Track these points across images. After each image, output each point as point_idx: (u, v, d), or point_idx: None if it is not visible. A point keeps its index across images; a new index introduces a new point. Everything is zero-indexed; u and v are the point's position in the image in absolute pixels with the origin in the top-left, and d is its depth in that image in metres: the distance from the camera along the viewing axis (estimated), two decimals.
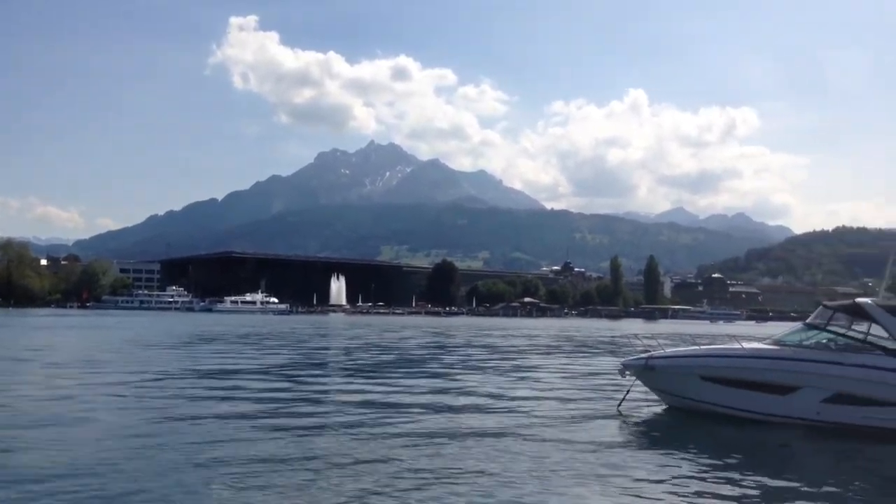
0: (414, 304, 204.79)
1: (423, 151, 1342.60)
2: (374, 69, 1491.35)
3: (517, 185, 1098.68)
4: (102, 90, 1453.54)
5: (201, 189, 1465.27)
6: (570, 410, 15.95)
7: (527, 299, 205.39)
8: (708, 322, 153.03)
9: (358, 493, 8.80)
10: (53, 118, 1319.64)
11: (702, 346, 17.09)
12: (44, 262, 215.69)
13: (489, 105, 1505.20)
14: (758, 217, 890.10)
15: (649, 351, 16.89)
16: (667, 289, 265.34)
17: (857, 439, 13.02)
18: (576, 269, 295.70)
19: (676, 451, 11.99)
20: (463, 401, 17.30)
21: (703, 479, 10.05)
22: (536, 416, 15.00)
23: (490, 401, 17.35)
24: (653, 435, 14.34)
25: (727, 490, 9.52)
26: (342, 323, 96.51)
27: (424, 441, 11.98)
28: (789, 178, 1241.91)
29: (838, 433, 13.37)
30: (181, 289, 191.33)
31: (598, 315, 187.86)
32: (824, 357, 14.04)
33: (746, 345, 15.40)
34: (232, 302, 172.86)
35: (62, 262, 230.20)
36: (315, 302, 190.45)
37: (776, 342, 15.16)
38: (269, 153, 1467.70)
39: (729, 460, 11.29)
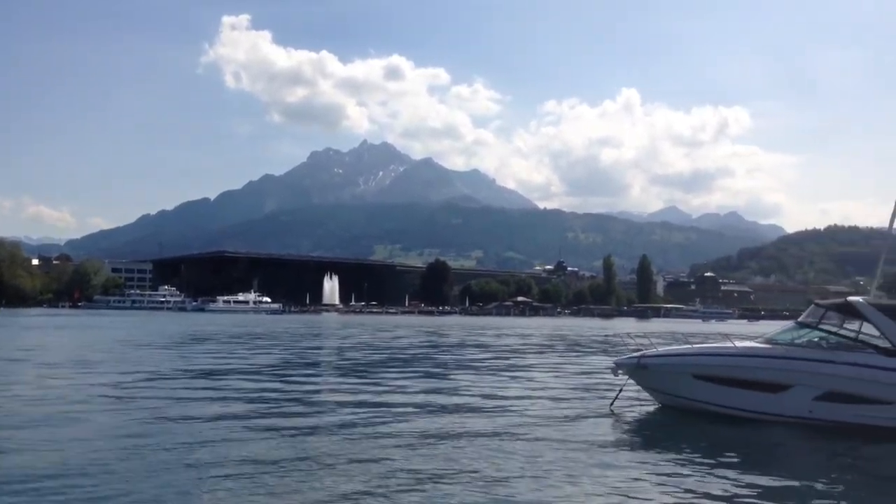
0: (407, 304, 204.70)
1: (417, 151, 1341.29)
2: (367, 68, 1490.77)
3: (510, 185, 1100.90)
4: (94, 89, 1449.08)
5: (193, 188, 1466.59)
6: (563, 409, 15.95)
7: (520, 298, 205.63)
8: (700, 321, 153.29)
9: (351, 494, 8.77)
10: (45, 117, 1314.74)
11: (694, 345, 17.12)
12: (35, 261, 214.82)
13: (482, 104, 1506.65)
14: (750, 216, 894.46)
15: (642, 350, 16.94)
16: (659, 288, 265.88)
17: (849, 437, 13.06)
18: (569, 269, 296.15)
19: (669, 450, 12.00)
20: (456, 400, 17.29)
21: (696, 478, 10.05)
22: (529, 416, 14.99)
23: (483, 400, 17.34)
24: (645, 434, 14.35)
25: (720, 488, 9.53)
26: (335, 322, 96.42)
27: (417, 441, 11.96)
28: (781, 177, 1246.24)
29: (830, 431, 13.41)
30: (173, 288, 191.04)
31: (591, 314, 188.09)
32: (816, 355, 14.08)
33: (739, 343, 15.41)
34: (224, 302, 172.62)
35: (54, 262, 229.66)
36: (308, 301, 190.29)
37: (768, 341, 15.20)
38: (261, 152, 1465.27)
39: (721, 459, 11.30)
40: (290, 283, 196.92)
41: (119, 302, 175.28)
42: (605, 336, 58.79)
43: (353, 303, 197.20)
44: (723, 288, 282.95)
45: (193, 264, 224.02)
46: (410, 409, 15.55)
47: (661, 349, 17.02)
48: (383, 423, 13.76)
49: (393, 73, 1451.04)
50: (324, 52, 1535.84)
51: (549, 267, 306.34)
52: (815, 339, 14.65)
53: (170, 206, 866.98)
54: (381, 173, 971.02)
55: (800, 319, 15.46)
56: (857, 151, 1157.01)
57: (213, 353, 33.70)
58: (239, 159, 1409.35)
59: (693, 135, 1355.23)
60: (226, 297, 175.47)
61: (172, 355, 31.43)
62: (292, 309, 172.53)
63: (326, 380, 22.95)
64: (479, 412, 15.48)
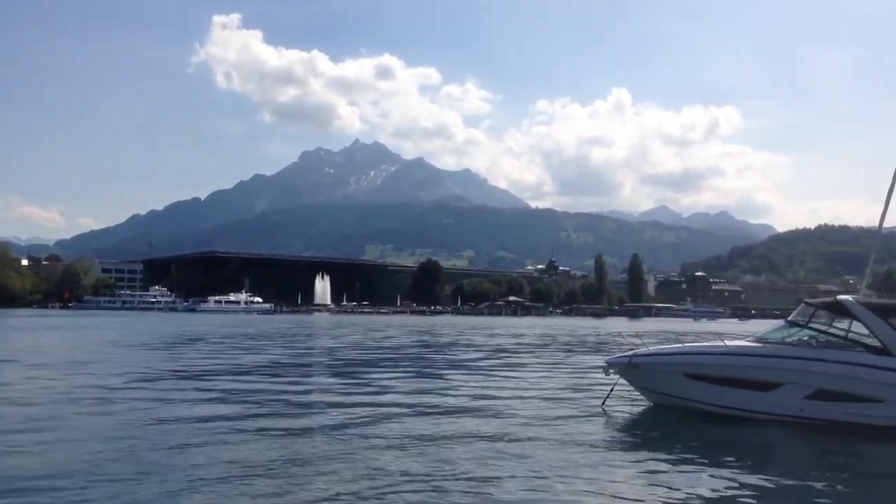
0: (399, 304, 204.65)
1: (408, 150, 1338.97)
2: (359, 68, 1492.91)
3: (502, 184, 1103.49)
4: (84, 89, 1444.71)
5: (184, 188, 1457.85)
6: (555, 409, 15.94)
7: (511, 298, 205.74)
8: (691, 320, 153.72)
9: (342, 496, 8.74)
10: (34, 117, 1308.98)
11: (685, 344, 17.15)
12: (25, 262, 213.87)
13: (473, 104, 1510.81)
14: (740, 215, 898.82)
15: (633, 349, 16.97)
16: (651, 287, 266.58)
17: (840, 435, 13.10)
18: (560, 268, 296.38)
19: (660, 449, 12.02)
20: (447, 400, 17.25)
21: (687, 477, 10.06)
22: (521, 415, 14.97)
23: (475, 400, 17.30)
24: (637, 433, 14.36)
25: (711, 487, 9.54)
26: (327, 322, 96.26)
27: (409, 442, 11.92)
28: (772, 176, 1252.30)
29: (821, 430, 13.45)
30: (164, 289, 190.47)
31: (583, 313, 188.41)
32: (806, 354, 14.12)
33: (729, 342, 15.46)
34: (216, 302, 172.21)
35: (43, 263, 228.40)
36: (299, 301, 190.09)
37: (759, 339, 15.23)
38: (252, 152, 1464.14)
39: (713, 458, 11.32)
40: (282, 283, 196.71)
41: (109, 302, 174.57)
42: (597, 335, 58.87)
43: (344, 303, 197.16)
44: (714, 287, 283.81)
45: (184, 264, 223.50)
46: (401, 410, 15.51)
47: (653, 348, 17.06)
48: (374, 424, 13.72)
49: (384, 73, 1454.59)
50: (315, 52, 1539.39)
51: (540, 266, 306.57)
52: (806, 338, 14.69)
53: (160, 206, 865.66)
54: (372, 173, 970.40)
55: (790, 318, 15.48)
56: (848, 151, 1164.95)
57: (204, 353, 33.56)
58: (230, 159, 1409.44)
59: (683, 134, 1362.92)
60: (217, 298, 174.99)
61: (163, 356, 31.31)
62: (284, 309, 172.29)
63: (318, 380, 22.88)
64: (470, 412, 15.44)
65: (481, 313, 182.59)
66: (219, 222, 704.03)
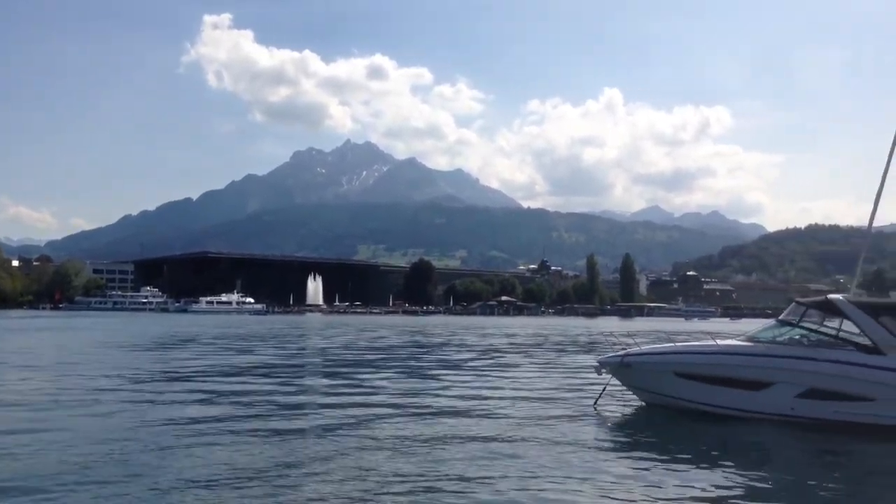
0: (391, 304, 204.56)
1: (400, 150, 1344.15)
2: (350, 68, 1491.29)
3: (494, 184, 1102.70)
4: (75, 88, 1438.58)
5: (176, 188, 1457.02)
6: (547, 409, 15.96)
7: (504, 298, 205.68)
8: (683, 319, 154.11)
9: (333, 497, 8.73)
10: (24, 117, 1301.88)
11: (677, 343, 17.20)
12: (15, 262, 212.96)
13: (465, 104, 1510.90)
14: (732, 215, 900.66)
15: (625, 348, 17.01)
16: (642, 286, 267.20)
17: (831, 434, 13.17)
18: (552, 268, 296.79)
19: (652, 449, 12.04)
20: (440, 401, 17.23)
21: (680, 476, 10.08)
22: (513, 415, 14.98)
23: (467, 401, 17.30)
24: (629, 432, 14.38)
25: (704, 486, 9.56)
26: (319, 323, 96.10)
27: (401, 442, 11.92)
28: (763, 176, 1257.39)
29: (812, 428, 13.51)
30: (156, 289, 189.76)
31: (575, 313, 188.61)
32: (797, 353, 14.18)
33: (721, 342, 15.52)
34: (207, 302, 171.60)
35: (34, 263, 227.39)
36: (292, 302, 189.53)
37: (750, 339, 15.30)
38: (244, 152, 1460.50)
39: (705, 457, 11.34)
40: (274, 283, 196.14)
41: (100, 303, 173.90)
42: (589, 335, 58.96)
43: (336, 303, 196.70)
44: (705, 287, 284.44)
45: (176, 265, 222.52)
46: (394, 411, 15.50)
47: (645, 348, 17.10)
48: (367, 425, 13.70)
49: (376, 73, 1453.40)
50: (306, 52, 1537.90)
51: (532, 266, 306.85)
52: (797, 337, 14.75)
53: (151, 207, 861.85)
54: (364, 173, 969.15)
55: (781, 317, 15.55)
56: (838, 151, 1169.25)
57: (195, 354, 33.44)
58: (221, 159, 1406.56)
59: (675, 134, 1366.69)
60: (208, 298, 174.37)
61: (154, 357, 31.22)
62: (276, 309, 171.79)
63: (309, 381, 22.83)
64: (463, 413, 15.43)
65: (473, 313, 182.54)
66: (210, 222, 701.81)
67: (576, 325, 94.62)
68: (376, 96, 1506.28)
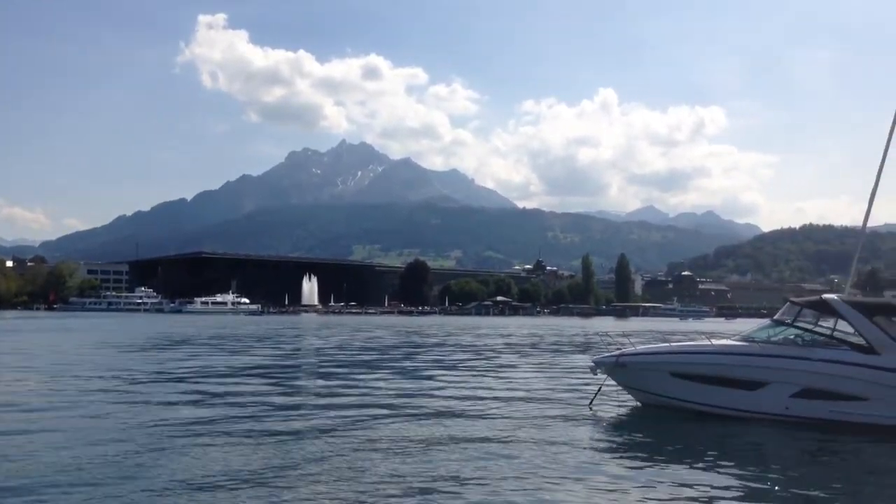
0: (386, 304, 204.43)
1: (395, 151, 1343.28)
2: (345, 68, 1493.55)
3: (489, 184, 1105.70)
4: (69, 89, 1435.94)
5: (170, 189, 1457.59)
6: (543, 409, 15.94)
7: (499, 298, 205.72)
8: (678, 319, 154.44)
9: (328, 499, 8.71)
10: (18, 117, 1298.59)
11: (672, 343, 17.20)
12: (10, 263, 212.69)
13: (460, 104, 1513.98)
14: (726, 215, 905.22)
15: (620, 348, 17.00)
16: (638, 287, 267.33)
17: (826, 433, 13.19)
18: (548, 268, 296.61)
19: (648, 449, 12.06)
20: (435, 402, 17.19)
21: (675, 476, 10.08)
22: (509, 416, 14.97)
23: (463, 401, 17.28)
24: (624, 432, 14.36)
25: (699, 485, 9.55)
26: (314, 323, 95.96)
27: (396, 444, 11.89)
28: (757, 176, 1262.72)
29: (807, 428, 13.52)
30: (150, 290, 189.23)
31: (570, 313, 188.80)
32: (792, 353, 14.20)
33: (716, 341, 15.53)
34: (202, 303, 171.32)
35: (28, 264, 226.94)
36: (287, 302, 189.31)
37: (745, 338, 15.31)
38: (239, 152, 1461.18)
39: (700, 457, 11.34)
40: (269, 283, 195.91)
41: (95, 304, 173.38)
42: (585, 335, 58.98)
43: (332, 303, 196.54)
44: (700, 286, 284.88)
45: (171, 265, 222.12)
46: (390, 412, 15.46)
47: (640, 348, 17.11)
48: (362, 426, 13.65)
49: (371, 73, 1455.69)
50: (301, 52, 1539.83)
51: (528, 266, 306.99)
52: (791, 337, 14.76)
53: (146, 207, 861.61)
54: (359, 173, 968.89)
55: (776, 317, 15.58)
56: (832, 151, 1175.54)
57: (190, 355, 33.33)
58: (216, 159, 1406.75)
59: (670, 134, 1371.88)
60: (204, 299, 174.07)
61: (149, 358, 31.11)
62: (271, 310, 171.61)
63: (304, 382, 22.80)
64: (458, 413, 15.41)
65: (469, 313, 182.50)
66: (206, 223, 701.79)
67: (571, 326, 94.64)
68: (371, 96, 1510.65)
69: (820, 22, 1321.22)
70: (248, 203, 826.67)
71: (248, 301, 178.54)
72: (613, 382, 16.71)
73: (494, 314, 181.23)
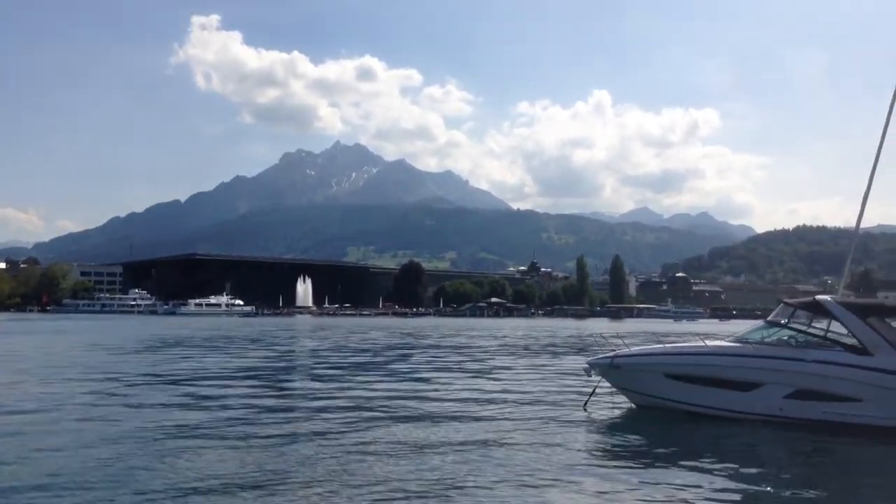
0: (381, 306, 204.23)
1: (390, 152, 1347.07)
2: (339, 69, 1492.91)
3: (483, 186, 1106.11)
4: (62, 89, 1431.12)
5: (164, 190, 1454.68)
6: (537, 411, 15.94)
7: (494, 300, 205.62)
8: (672, 321, 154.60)
9: (324, 502, 8.68)
10: (11, 118, 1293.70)
11: (666, 345, 17.21)
12: (2, 265, 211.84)
13: (455, 105, 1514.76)
14: (720, 216, 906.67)
15: (615, 350, 17.00)
16: (632, 288, 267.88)
17: (819, 435, 13.21)
18: (542, 269, 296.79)
19: (642, 450, 12.06)
20: (430, 404, 17.17)
21: (670, 477, 10.07)
22: (503, 418, 14.97)
23: (457, 403, 17.26)
24: (619, 434, 14.36)
25: (693, 488, 9.55)
26: (309, 325, 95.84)
27: (391, 447, 11.85)
28: (751, 177, 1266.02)
29: (800, 428, 13.54)
30: (144, 292, 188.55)
31: (565, 315, 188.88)
32: (786, 354, 14.23)
33: (710, 342, 15.55)
34: (196, 305, 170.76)
35: (21, 266, 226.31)
36: (281, 304, 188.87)
37: (739, 340, 15.34)
38: (233, 154, 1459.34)
39: (694, 458, 11.34)
40: (263, 285, 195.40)
41: (89, 306, 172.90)
42: (579, 336, 59.02)
43: (326, 305, 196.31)
44: (694, 288, 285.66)
45: (164, 267, 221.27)
46: (384, 414, 15.44)
47: (634, 349, 17.11)
48: (356, 429, 13.61)
49: (365, 74, 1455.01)
50: (295, 53, 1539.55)
51: (522, 268, 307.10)
52: (785, 338, 14.80)
53: (140, 209, 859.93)
54: (353, 174, 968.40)
55: (769, 318, 15.60)
56: (826, 152, 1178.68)
57: (184, 357, 33.24)
58: (210, 161, 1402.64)
59: (664, 136, 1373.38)
60: (197, 300, 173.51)
61: (142, 360, 31.00)
62: (265, 311, 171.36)
63: (299, 385, 22.73)
64: (453, 415, 15.38)
65: (463, 315, 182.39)
66: (199, 224, 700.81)
67: (565, 327, 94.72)
68: (366, 98, 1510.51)
69: (813, 24, 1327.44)
70: (242, 204, 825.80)
71: (242, 303, 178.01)
72: (608, 384, 16.72)
73: (489, 315, 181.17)
